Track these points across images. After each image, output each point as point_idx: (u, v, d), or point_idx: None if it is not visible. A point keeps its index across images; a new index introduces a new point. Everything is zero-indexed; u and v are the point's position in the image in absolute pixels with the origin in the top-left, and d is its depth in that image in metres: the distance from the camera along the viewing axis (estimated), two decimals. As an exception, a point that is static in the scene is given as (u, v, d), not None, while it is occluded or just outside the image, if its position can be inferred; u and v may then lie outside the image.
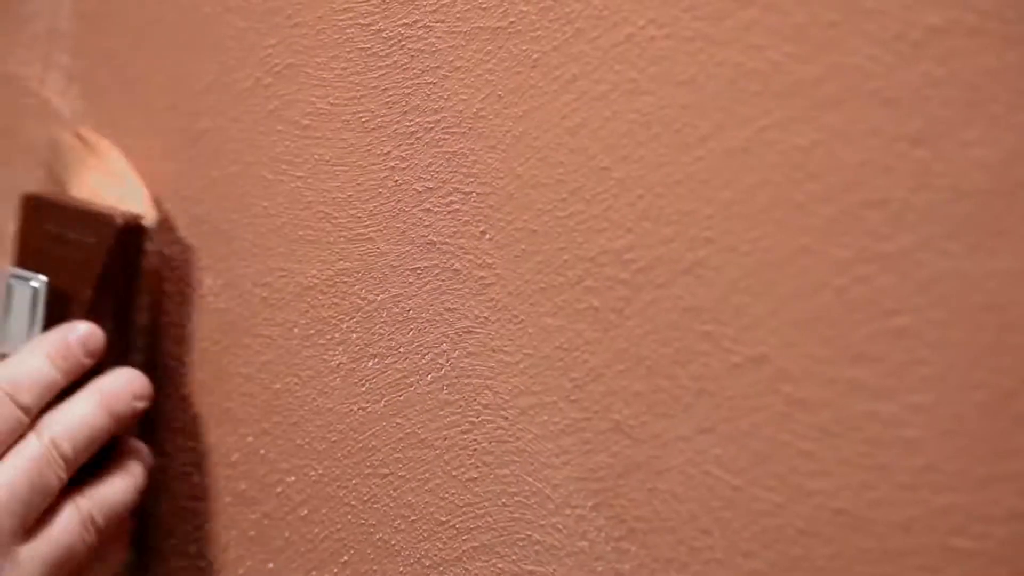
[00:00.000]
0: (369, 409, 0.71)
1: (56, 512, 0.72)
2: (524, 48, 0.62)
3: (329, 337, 0.73)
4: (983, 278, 0.47)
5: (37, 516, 0.71)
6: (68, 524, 0.72)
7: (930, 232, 0.48)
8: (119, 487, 0.76)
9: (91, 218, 0.78)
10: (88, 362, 0.75)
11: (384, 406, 0.70)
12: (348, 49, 0.71)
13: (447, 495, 0.67)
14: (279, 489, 0.76)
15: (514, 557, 0.64)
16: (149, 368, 0.80)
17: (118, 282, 0.78)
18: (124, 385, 0.76)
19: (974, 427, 0.48)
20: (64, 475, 0.72)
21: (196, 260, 0.81)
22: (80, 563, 0.74)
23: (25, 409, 0.72)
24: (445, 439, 0.67)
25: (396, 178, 0.69)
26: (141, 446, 0.80)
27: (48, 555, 0.70)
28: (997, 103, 0.46)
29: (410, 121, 0.68)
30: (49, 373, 0.73)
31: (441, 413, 0.67)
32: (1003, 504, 0.47)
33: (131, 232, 0.78)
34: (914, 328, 0.49)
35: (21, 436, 0.71)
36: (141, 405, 0.77)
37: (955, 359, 0.48)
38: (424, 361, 0.68)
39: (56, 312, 0.77)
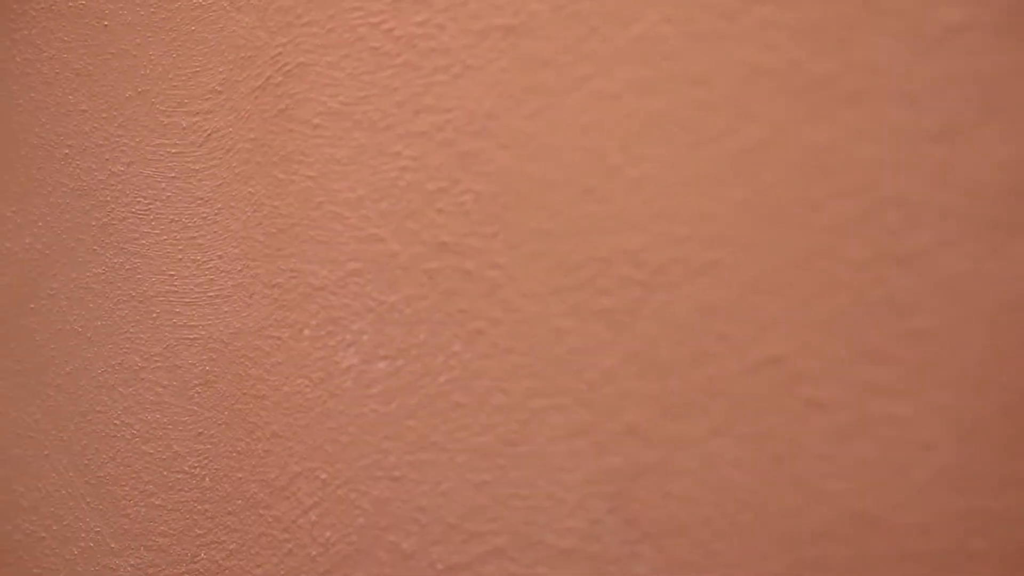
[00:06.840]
0: (380, 411, 0.70)
1: None
2: (537, 47, 0.62)
3: (340, 338, 0.73)
4: (1002, 278, 0.47)
5: None
6: None
7: (949, 231, 0.48)
8: None
9: None
10: None
11: (396, 408, 0.70)
12: (359, 48, 0.70)
13: (460, 498, 0.67)
14: (289, 492, 0.76)
15: (527, 561, 0.63)
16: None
17: None
18: None
19: (993, 429, 0.47)
20: None
21: (207, 261, 0.81)
22: None
23: None
24: (457, 441, 0.67)
25: (407, 178, 0.68)
26: None
27: None
28: (1016, 100, 0.46)
29: (422, 120, 0.67)
30: None
31: (453, 415, 0.67)
32: (1023, 506, 0.46)
33: None
34: (932, 329, 0.49)
35: None
36: None
37: (974, 360, 0.48)
38: (436, 363, 0.68)
39: None
